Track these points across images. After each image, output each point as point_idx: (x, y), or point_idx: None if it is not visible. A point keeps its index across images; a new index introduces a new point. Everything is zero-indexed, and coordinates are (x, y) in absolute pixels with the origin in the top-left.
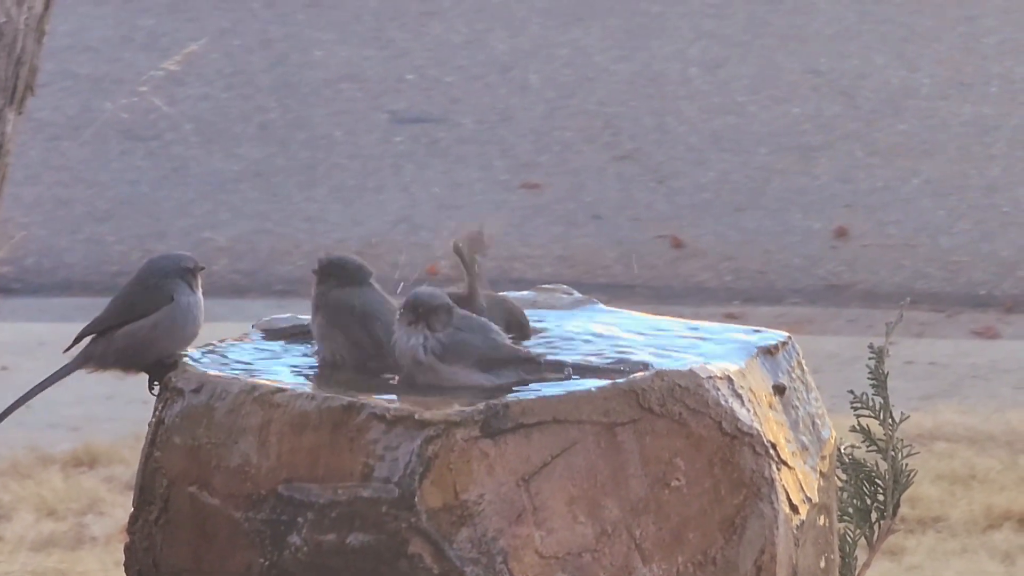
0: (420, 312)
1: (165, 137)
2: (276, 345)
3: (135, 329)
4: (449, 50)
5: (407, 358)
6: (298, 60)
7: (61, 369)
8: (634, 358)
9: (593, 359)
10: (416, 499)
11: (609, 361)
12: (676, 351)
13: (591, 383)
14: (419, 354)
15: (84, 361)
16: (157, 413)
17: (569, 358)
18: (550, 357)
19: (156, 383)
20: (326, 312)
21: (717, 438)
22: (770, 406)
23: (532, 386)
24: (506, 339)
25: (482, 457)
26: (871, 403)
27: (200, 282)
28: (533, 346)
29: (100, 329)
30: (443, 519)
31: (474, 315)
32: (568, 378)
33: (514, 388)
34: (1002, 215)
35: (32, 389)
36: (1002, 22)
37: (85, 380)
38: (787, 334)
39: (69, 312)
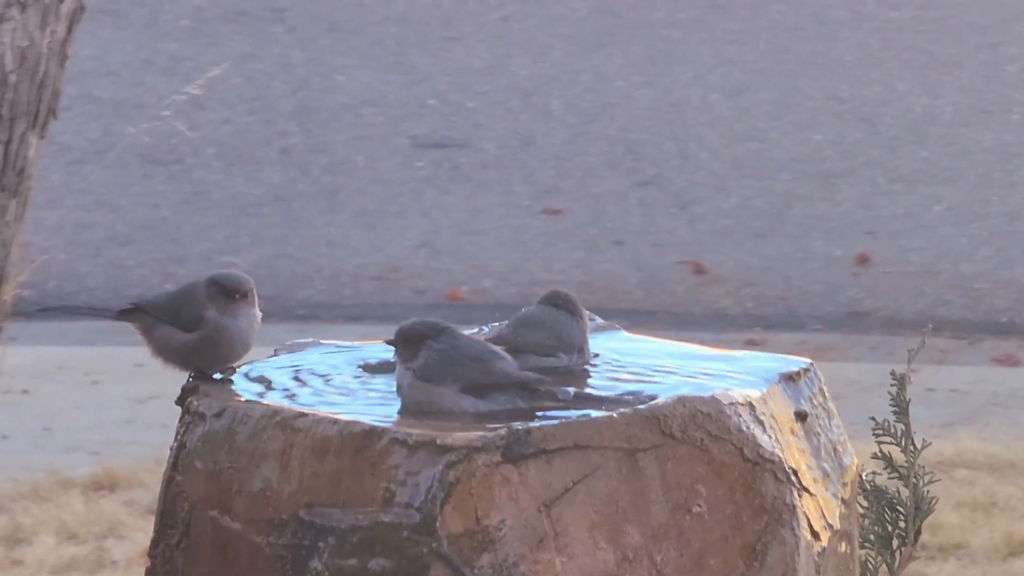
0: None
1: (186, 161)
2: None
3: (171, 335)
4: (471, 75)
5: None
6: (319, 85)
7: (109, 311)
8: (650, 386)
9: (600, 388)
10: (437, 524)
11: (619, 392)
12: (697, 378)
13: (614, 409)
14: (404, 379)
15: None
16: (179, 437)
17: (571, 387)
18: (550, 385)
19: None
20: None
21: (739, 464)
22: (792, 432)
23: (550, 412)
24: (506, 364)
25: (504, 483)
26: (893, 430)
27: (241, 307)
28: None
29: (148, 311)
30: (464, 544)
31: (476, 340)
32: (567, 406)
33: (506, 414)
34: None
35: (78, 307)
36: None
37: (105, 404)
38: (809, 360)
39: (89, 336)
